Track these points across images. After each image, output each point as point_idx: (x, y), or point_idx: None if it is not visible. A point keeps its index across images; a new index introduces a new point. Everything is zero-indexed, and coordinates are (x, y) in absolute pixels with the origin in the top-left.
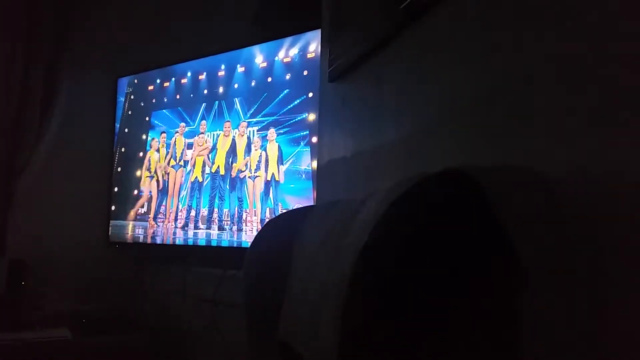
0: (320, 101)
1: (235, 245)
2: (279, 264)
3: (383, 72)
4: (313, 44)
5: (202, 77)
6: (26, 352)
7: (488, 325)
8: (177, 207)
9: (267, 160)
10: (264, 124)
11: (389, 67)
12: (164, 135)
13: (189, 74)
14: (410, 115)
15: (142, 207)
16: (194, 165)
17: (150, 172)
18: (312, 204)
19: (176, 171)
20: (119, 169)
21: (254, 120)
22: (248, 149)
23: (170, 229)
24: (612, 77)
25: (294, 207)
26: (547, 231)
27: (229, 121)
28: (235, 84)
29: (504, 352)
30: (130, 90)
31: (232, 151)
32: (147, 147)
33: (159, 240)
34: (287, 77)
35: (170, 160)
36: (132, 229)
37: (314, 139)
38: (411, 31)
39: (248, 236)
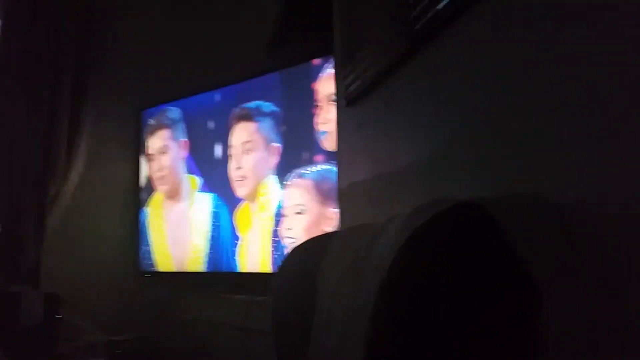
0: (337, 125)
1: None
2: (305, 291)
3: (397, 95)
4: None
5: None
6: None
7: (506, 354)
8: None
9: None
10: None
11: (403, 89)
12: None
13: None
14: (425, 139)
15: None
16: None
17: None
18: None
19: None
20: None
21: None
22: None
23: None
24: (619, 101)
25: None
26: (563, 260)
27: None
28: None
29: None
30: None
31: None
32: None
33: (188, 269)
34: None
35: None
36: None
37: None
38: (425, 53)
39: None
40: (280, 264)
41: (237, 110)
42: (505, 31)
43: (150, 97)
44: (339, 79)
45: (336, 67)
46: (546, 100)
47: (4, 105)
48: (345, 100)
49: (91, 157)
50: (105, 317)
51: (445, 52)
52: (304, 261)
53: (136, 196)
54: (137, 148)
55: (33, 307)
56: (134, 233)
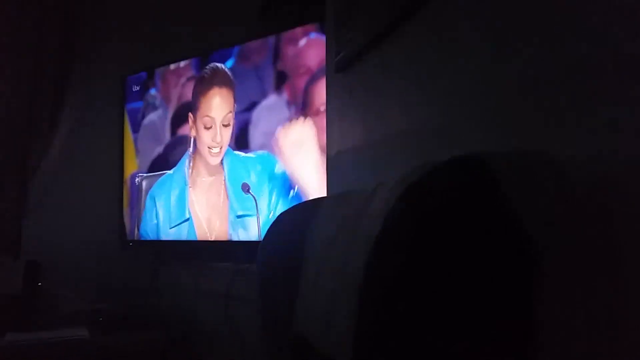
0: (327, 92)
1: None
2: (292, 257)
3: (390, 61)
4: None
5: None
6: (44, 352)
7: (502, 314)
8: None
9: None
10: None
11: (396, 55)
12: None
13: None
14: (418, 104)
15: None
16: None
17: None
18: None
19: None
20: None
21: None
22: None
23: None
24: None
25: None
26: (563, 219)
27: None
28: None
29: (519, 346)
30: None
31: None
32: None
33: (172, 237)
34: None
35: None
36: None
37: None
38: (418, 18)
39: None
40: (266, 230)
41: None
42: None
43: (136, 63)
44: (330, 44)
45: (328, 33)
46: (544, 64)
47: None
48: (336, 66)
49: (75, 124)
50: (88, 285)
51: (440, 16)
52: (291, 228)
53: (120, 164)
54: (122, 115)
55: (12, 276)
56: (118, 201)
